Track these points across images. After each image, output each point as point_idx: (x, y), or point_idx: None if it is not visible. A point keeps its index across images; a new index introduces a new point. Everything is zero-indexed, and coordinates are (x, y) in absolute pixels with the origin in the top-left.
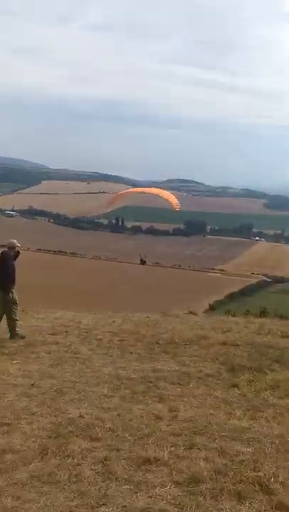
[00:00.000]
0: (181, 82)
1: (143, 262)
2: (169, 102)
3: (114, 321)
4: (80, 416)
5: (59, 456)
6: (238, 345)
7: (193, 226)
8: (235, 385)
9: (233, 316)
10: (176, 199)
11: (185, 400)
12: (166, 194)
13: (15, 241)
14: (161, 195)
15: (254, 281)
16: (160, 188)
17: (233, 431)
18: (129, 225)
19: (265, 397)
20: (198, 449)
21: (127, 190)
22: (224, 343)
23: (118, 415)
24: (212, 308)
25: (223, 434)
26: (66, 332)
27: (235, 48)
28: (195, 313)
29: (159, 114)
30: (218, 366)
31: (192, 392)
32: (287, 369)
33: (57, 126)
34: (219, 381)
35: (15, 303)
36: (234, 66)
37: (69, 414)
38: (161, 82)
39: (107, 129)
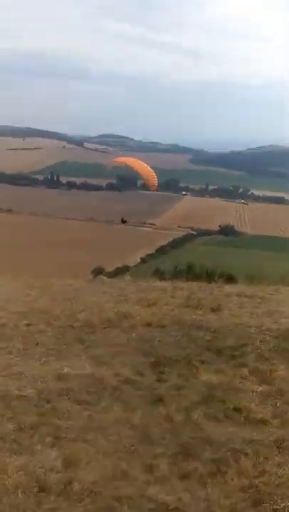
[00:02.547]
0: (112, 37)
1: (124, 221)
2: (100, 56)
3: (29, 294)
4: None
5: None
6: (164, 326)
7: (124, 181)
8: (159, 399)
9: (162, 276)
10: (155, 179)
11: (90, 438)
12: (146, 172)
13: None
14: (140, 172)
15: (181, 234)
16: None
17: None
18: (64, 180)
19: (198, 421)
20: None
21: (120, 159)
22: (149, 324)
23: None
24: (143, 261)
25: None
26: None
27: (162, 5)
28: (126, 269)
29: (90, 68)
30: (141, 360)
31: (101, 421)
32: (219, 361)
33: None
34: (140, 391)
35: None
36: (161, 23)
37: None
38: (92, 35)
39: (38, 84)
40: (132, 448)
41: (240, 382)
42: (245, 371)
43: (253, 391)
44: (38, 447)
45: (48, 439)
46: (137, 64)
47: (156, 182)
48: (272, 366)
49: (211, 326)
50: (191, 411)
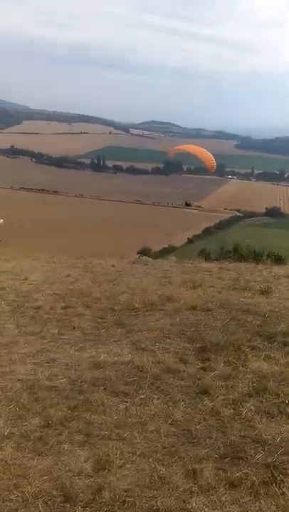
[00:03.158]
0: (153, 29)
1: (188, 204)
2: (143, 48)
3: (68, 275)
4: None
5: None
6: (210, 309)
7: (170, 166)
8: (204, 390)
9: (208, 256)
10: (213, 162)
11: (126, 435)
12: (203, 155)
13: None
14: (199, 155)
15: (227, 216)
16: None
17: None
18: (110, 164)
19: (248, 417)
20: None
21: (180, 146)
22: (194, 308)
23: None
24: (190, 241)
25: None
26: None
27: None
28: (172, 250)
29: (130, 59)
30: (185, 346)
31: (139, 415)
32: (271, 348)
33: (35, 69)
34: (183, 382)
35: None
36: (203, 16)
37: None
38: (133, 29)
39: (83, 73)
40: (173, 449)
41: None
42: None
43: None
44: (66, 446)
45: (78, 437)
46: (180, 55)
47: (214, 164)
48: None
49: (261, 309)
50: (241, 404)
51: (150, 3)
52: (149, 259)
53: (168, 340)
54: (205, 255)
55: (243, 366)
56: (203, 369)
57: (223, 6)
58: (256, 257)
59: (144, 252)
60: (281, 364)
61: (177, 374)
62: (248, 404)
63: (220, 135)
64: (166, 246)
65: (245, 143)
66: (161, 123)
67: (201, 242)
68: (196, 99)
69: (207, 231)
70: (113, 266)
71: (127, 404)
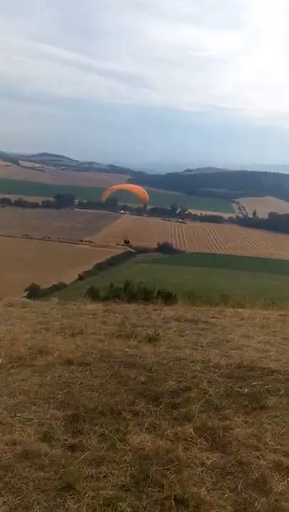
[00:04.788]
0: (47, 59)
1: (126, 242)
2: (34, 76)
3: None
4: None
5: None
6: (88, 363)
7: (61, 199)
8: (69, 486)
9: (96, 295)
10: (145, 194)
11: None
12: (136, 189)
13: None
14: (132, 190)
15: (119, 252)
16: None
17: None
18: None
19: None
20: None
21: (114, 187)
22: (70, 362)
23: None
24: (81, 278)
25: None
26: None
27: (97, 33)
28: (62, 287)
29: (22, 87)
30: (53, 414)
31: None
32: (156, 413)
33: None
34: (42, 472)
35: None
36: (97, 49)
37: None
38: (25, 58)
39: None
40: None
41: (185, 449)
42: (189, 429)
43: (202, 464)
44: None
45: None
46: (73, 86)
47: (146, 196)
48: (226, 421)
49: (147, 362)
50: (114, 506)
51: (44, 33)
52: (28, 300)
53: (33, 408)
54: (93, 294)
55: (121, 441)
56: (72, 448)
57: (120, 42)
58: (147, 295)
59: (32, 289)
60: (167, 437)
61: (37, 460)
62: (123, 505)
63: (112, 169)
64: (56, 283)
65: (138, 177)
66: (53, 155)
67: (93, 278)
68: (89, 132)
69: (99, 267)
70: None
71: None
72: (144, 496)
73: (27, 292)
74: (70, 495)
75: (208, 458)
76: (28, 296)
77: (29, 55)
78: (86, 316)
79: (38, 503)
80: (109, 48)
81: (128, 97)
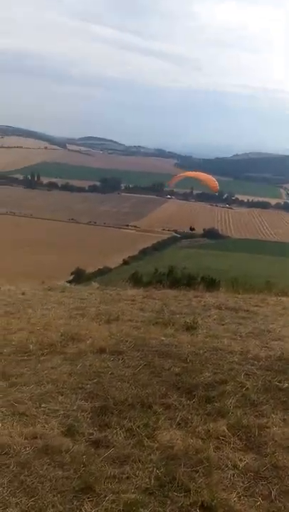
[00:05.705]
0: (100, 40)
1: (192, 229)
2: (85, 59)
3: None
4: None
5: None
6: (121, 352)
7: (108, 183)
8: (89, 487)
9: (138, 282)
10: (215, 182)
11: None
12: (205, 177)
13: None
14: (201, 178)
15: (165, 237)
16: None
17: None
18: (45, 181)
19: None
20: None
21: (182, 174)
22: (102, 350)
23: None
24: (126, 263)
25: None
26: None
27: (151, 13)
28: (107, 271)
29: (72, 70)
30: (80, 405)
31: None
32: (189, 407)
33: None
34: (61, 471)
35: None
36: (152, 31)
37: None
38: (77, 39)
39: (17, 83)
40: None
41: (217, 448)
42: (223, 426)
43: (234, 466)
44: None
45: None
46: (119, 68)
47: (216, 184)
48: (262, 418)
49: (183, 352)
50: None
51: (94, 13)
52: (68, 285)
53: (60, 398)
54: (135, 279)
55: (149, 438)
56: (96, 444)
57: (170, 21)
58: (190, 281)
59: (78, 273)
60: (198, 434)
61: (57, 456)
62: None
63: (159, 153)
64: (101, 267)
65: (185, 162)
66: (100, 139)
67: (138, 263)
68: (136, 116)
69: (144, 252)
70: (23, 294)
71: None
72: (169, 502)
73: (72, 276)
74: (89, 497)
75: (240, 460)
76: (73, 280)
77: (76, 35)
78: (124, 302)
79: (53, 506)
80: (158, 29)
81: (176, 80)
